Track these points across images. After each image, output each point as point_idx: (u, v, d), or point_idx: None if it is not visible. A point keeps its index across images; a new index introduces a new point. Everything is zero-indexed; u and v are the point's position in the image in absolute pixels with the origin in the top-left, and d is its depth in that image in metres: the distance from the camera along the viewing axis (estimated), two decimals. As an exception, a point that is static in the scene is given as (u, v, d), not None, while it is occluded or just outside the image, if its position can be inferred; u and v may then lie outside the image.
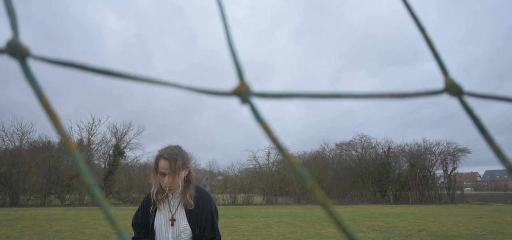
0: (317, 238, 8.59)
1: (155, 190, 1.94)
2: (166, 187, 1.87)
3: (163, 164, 1.86)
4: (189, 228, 1.88)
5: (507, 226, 10.67)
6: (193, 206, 1.90)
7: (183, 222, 1.89)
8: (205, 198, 1.97)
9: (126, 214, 15.00)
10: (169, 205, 1.93)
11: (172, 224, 1.89)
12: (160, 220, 1.91)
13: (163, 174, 1.86)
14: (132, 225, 2.01)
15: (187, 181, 1.95)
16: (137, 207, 2.07)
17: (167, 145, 1.96)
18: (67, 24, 60.24)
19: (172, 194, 1.94)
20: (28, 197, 23.39)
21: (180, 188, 1.92)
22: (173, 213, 1.91)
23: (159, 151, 1.94)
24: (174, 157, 1.86)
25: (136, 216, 2.01)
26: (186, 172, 1.94)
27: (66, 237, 8.59)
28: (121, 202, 25.58)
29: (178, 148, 1.95)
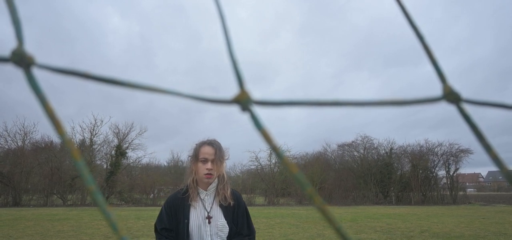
0: (318, 239, 8.58)
1: (191, 179, 1.89)
2: (208, 173, 1.84)
3: (207, 149, 1.87)
4: (227, 226, 1.83)
5: (510, 227, 10.61)
6: (231, 203, 1.88)
7: (220, 220, 1.84)
8: (239, 196, 1.96)
9: (127, 215, 15.04)
10: (203, 202, 1.87)
11: (209, 222, 1.82)
12: (195, 219, 1.83)
13: (206, 161, 1.86)
14: (158, 230, 1.87)
15: (224, 177, 1.93)
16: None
17: (205, 138, 1.96)
18: (69, 23, 60.47)
19: (206, 190, 1.90)
20: (30, 197, 23.47)
21: (215, 184, 1.91)
22: (208, 210, 1.85)
23: (196, 143, 1.95)
24: (218, 145, 1.91)
25: (160, 221, 1.88)
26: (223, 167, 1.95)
27: (68, 237, 8.61)
28: (123, 202, 25.67)
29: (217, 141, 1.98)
